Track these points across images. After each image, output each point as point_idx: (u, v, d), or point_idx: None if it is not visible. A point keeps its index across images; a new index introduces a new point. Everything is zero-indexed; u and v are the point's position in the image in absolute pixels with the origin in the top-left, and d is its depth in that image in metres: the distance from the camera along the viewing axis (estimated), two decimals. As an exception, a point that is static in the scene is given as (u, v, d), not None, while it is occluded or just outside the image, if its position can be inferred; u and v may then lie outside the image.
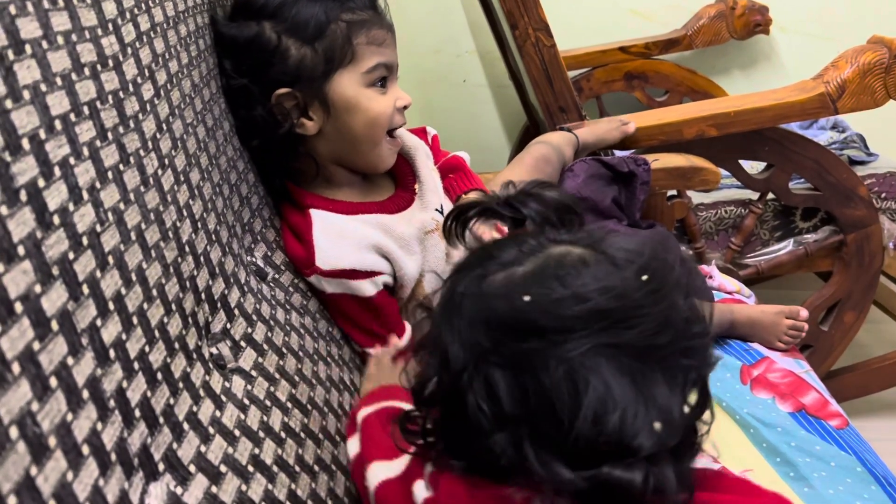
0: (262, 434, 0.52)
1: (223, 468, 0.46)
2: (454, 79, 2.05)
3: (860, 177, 1.40)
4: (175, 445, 0.44)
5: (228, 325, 0.57)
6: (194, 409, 0.47)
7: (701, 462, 0.79)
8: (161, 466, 0.42)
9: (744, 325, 1.03)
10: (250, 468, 0.48)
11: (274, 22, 0.74)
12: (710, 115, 1.26)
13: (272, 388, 0.57)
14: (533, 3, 1.28)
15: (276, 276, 0.73)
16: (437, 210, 0.85)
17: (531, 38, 1.30)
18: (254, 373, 0.56)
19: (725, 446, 0.83)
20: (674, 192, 1.28)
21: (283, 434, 0.54)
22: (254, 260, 0.71)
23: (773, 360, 0.98)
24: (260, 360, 0.58)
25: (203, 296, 0.55)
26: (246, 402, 0.53)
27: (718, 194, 1.48)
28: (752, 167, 1.39)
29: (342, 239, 0.76)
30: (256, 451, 0.50)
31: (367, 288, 0.76)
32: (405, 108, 0.80)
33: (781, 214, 1.47)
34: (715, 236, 1.47)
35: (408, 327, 0.81)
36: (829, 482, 0.78)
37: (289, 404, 0.58)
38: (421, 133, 0.94)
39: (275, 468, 0.51)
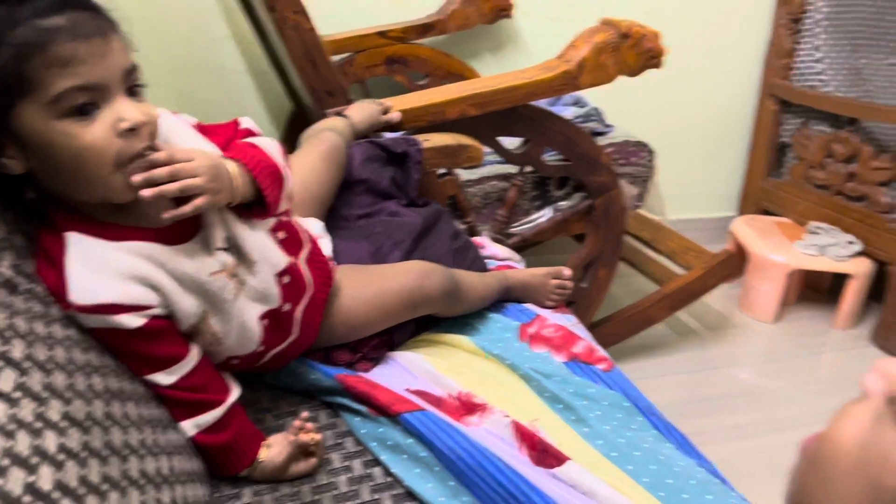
0: (35, 460, 0.46)
1: (-8, 504, 0.41)
2: (210, 66, 1.95)
3: (601, 146, 1.55)
4: (-72, 488, 0.38)
5: (-22, 345, 0.50)
6: (-53, 443, 0.41)
7: (492, 417, 0.84)
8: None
9: (517, 288, 1.11)
10: (26, 498, 0.43)
11: None
12: (469, 96, 1.32)
13: (41, 409, 0.51)
14: (289, -14, 1.26)
15: (31, 285, 0.65)
16: (220, 249, 0.73)
17: (290, 22, 1.27)
18: (16, 394, 0.50)
19: (513, 401, 0.88)
20: (444, 170, 1.33)
21: (60, 457, 0.49)
22: (0, 270, 0.63)
23: (545, 317, 1.07)
24: (22, 379, 0.52)
25: (-58, 314, 0.47)
26: (11, 427, 0.47)
27: (483, 170, 1.57)
28: (511, 143, 1.49)
29: (102, 270, 0.65)
30: (31, 478, 0.45)
31: (132, 321, 0.66)
32: (132, 129, 0.63)
33: (539, 185, 1.60)
34: (483, 210, 1.56)
35: (193, 348, 0.73)
36: (604, 419, 0.87)
37: (63, 423, 0.52)
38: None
39: (56, 494, 0.46)
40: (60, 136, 0.60)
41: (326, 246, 0.97)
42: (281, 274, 0.80)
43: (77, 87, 0.60)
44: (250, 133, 0.81)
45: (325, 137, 1.11)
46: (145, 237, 0.68)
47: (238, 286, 0.75)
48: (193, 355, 0.73)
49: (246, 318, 0.77)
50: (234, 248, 0.75)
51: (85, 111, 0.61)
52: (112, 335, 0.67)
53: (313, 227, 0.98)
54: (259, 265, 0.77)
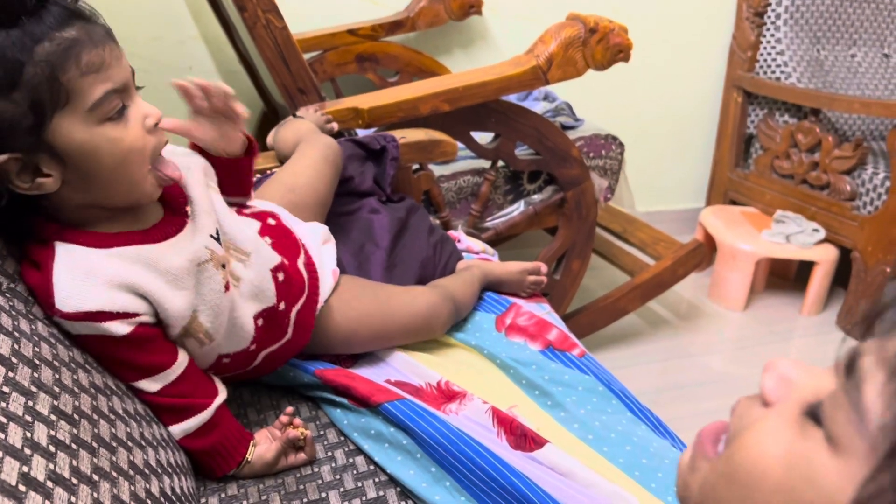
0: (28, 451, 0.47)
1: (-11, 493, 0.42)
2: (179, 67, 1.94)
3: (572, 140, 1.58)
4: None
5: (-35, 342, 0.51)
6: (-58, 435, 0.42)
7: (471, 405, 0.86)
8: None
9: (493, 283, 1.13)
10: (21, 487, 0.44)
11: None
12: (441, 91, 1.34)
13: (30, 403, 0.52)
14: (259, -15, 1.27)
15: (12, 285, 0.66)
16: (211, 237, 0.74)
17: (262, 20, 1.28)
18: (6, 389, 0.51)
19: (491, 388, 0.91)
20: (417, 166, 1.34)
21: (52, 448, 0.50)
22: (-19, 270, 0.63)
23: (519, 305, 1.09)
24: (11, 374, 0.52)
25: (-70, 311, 0.48)
26: (3, 420, 0.48)
27: (456, 165, 1.59)
28: (482, 138, 1.51)
29: (89, 277, 0.65)
30: (25, 468, 0.46)
31: (119, 328, 0.66)
32: (156, 124, 0.67)
33: (511, 179, 1.62)
34: (457, 204, 1.58)
35: (181, 354, 0.73)
36: (580, 404, 0.89)
37: (52, 416, 0.53)
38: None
39: (49, 484, 0.47)
40: (104, 142, 0.63)
41: (331, 252, 0.96)
42: (275, 270, 0.81)
43: (112, 91, 0.62)
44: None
45: (323, 140, 1.10)
46: (133, 240, 0.68)
47: (231, 280, 0.75)
48: (181, 362, 0.73)
49: (239, 315, 0.77)
50: (227, 240, 0.77)
51: (120, 111, 0.64)
52: (99, 342, 0.67)
53: (319, 232, 0.98)
54: (253, 257, 0.79)
